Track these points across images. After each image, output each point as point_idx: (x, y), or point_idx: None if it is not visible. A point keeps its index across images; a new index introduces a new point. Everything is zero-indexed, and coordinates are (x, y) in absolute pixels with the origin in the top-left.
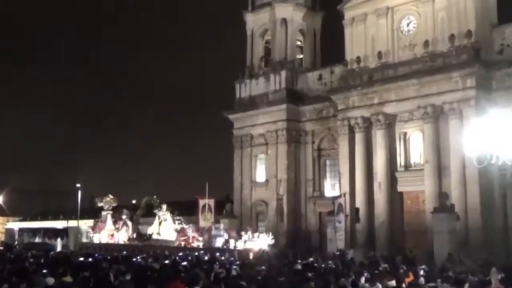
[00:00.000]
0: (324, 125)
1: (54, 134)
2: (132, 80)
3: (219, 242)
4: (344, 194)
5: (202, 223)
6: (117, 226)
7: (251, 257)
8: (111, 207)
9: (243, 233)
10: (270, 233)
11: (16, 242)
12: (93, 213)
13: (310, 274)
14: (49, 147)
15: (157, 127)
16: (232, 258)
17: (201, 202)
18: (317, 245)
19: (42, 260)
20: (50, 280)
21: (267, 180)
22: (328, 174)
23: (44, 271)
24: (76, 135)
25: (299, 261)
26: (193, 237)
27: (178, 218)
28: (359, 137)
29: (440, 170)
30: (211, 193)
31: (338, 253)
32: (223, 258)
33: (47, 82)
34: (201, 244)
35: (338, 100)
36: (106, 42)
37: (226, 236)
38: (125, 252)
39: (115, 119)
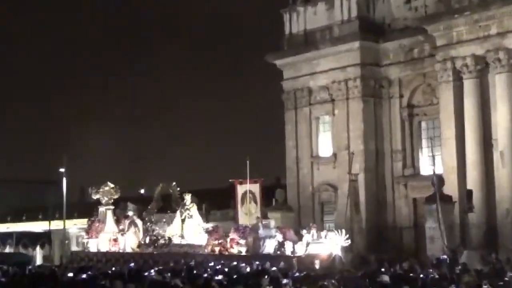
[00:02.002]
0: (417, 70)
1: (24, 99)
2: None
3: (269, 247)
4: (448, 171)
5: (243, 219)
6: (121, 226)
7: (317, 267)
8: (112, 200)
9: (304, 232)
10: (343, 231)
11: None
12: (85, 209)
13: None
14: (18, 118)
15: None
16: (289, 269)
17: (240, 189)
18: (411, 246)
19: (15, 278)
20: None
21: (334, 154)
22: (424, 142)
23: None
24: (58, 98)
25: (386, 269)
26: (232, 239)
27: (208, 212)
28: (469, 85)
29: None
30: (253, 175)
31: (444, 256)
32: (275, 268)
33: None
34: (243, 250)
35: (436, 32)
36: None
37: (279, 237)
38: (133, 265)
39: (114, 73)
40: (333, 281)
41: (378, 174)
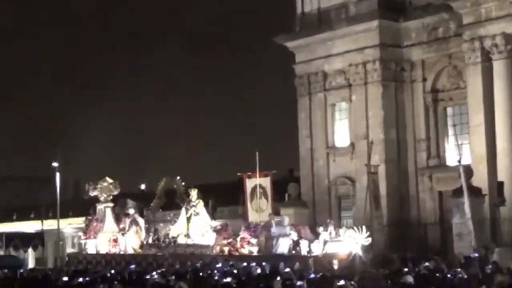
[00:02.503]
0: (441, 51)
1: (19, 90)
2: None
3: (283, 246)
4: (477, 161)
5: (253, 217)
6: (122, 226)
7: (335, 267)
8: (111, 197)
9: (320, 229)
10: (364, 228)
11: None
12: (81, 207)
13: None
14: (6, 110)
15: (174, 69)
16: (305, 270)
17: (249, 183)
18: (437, 243)
19: (5, 283)
20: None
21: (352, 144)
22: (450, 130)
23: None
24: (52, 88)
25: (410, 269)
26: (242, 239)
27: (215, 209)
28: (499, 67)
29: None
30: (264, 167)
31: (475, 255)
32: (289, 269)
33: None
34: (255, 250)
35: (463, 9)
36: None
37: (294, 235)
38: (134, 267)
39: (113, 59)
40: (352, 282)
41: (400, 166)
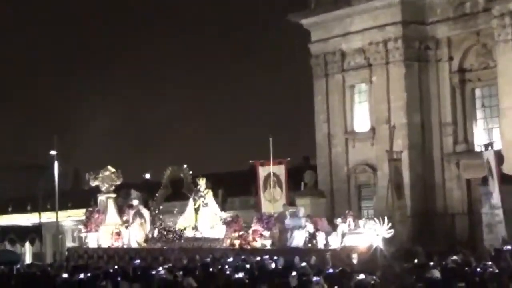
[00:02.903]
0: (469, 27)
1: (17, 76)
2: None
3: (298, 239)
4: (508, 146)
5: (266, 207)
6: (125, 218)
7: (354, 261)
8: (113, 187)
9: (339, 221)
10: (385, 219)
11: None
12: (81, 199)
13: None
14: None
15: (181, 49)
16: (322, 264)
17: (262, 172)
18: (465, 235)
19: (1, 280)
20: None
21: (373, 129)
22: (479, 113)
23: None
24: (48, 69)
25: (436, 263)
26: (254, 231)
27: (225, 200)
28: None
29: None
30: (278, 155)
31: (508, 247)
32: (305, 264)
33: None
34: (268, 243)
35: None
36: None
37: (310, 227)
38: (138, 261)
39: (118, 39)
40: (374, 277)
41: (425, 152)
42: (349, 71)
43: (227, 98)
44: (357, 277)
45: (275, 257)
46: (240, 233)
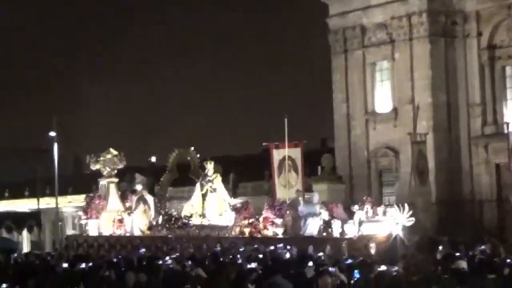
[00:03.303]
0: (499, 0)
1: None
2: None
3: (312, 227)
4: None
5: (281, 193)
6: (128, 204)
7: (372, 251)
8: (115, 171)
9: (355, 208)
10: (405, 206)
11: None
12: (82, 183)
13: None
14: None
15: (189, 23)
16: (338, 254)
17: (277, 155)
18: (494, 224)
19: None
20: None
21: (395, 109)
22: (510, 93)
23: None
24: (47, 45)
25: (463, 254)
26: (265, 219)
27: (236, 185)
28: None
29: None
30: (293, 137)
31: None
32: (321, 254)
33: None
34: (280, 232)
35: None
36: None
37: (325, 215)
38: (144, 250)
39: (121, 14)
40: (396, 268)
41: (451, 134)
42: (370, 47)
43: (240, 77)
44: (378, 268)
45: (288, 247)
46: (250, 220)
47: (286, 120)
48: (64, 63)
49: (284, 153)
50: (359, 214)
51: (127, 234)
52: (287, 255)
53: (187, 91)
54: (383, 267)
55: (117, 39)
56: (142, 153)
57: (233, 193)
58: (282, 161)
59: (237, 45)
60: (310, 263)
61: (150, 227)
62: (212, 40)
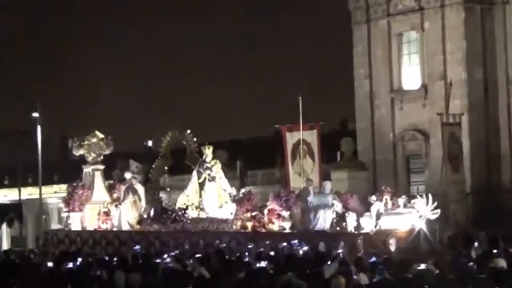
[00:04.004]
0: None
1: None
2: None
3: (324, 220)
4: None
5: (295, 182)
6: (116, 194)
7: (392, 248)
8: (102, 157)
9: (373, 199)
10: (429, 197)
11: None
12: (69, 171)
13: None
14: None
15: None
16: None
17: (290, 138)
18: None
19: None
20: None
21: (424, 87)
22: None
23: None
24: (30, 21)
25: (502, 251)
26: (271, 211)
27: (245, 173)
28: None
29: None
30: (309, 118)
31: None
32: (341, 251)
33: None
34: (287, 226)
35: None
36: None
37: (339, 206)
38: (138, 247)
39: None
40: (426, 265)
41: (489, 115)
42: (396, 16)
43: (250, 52)
44: (417, 267)
45: (301, 242)
46: (254, 213)
47: (300, 99)
48: (50, 42)
49: (298, 137)
50: (377, 205)
51: (114, 229)
52: (300, 252)
53: (189, 71)
54: (422, 265)
55: (121, 11)
56: (138, 137)
57: (242, 182)
58: (296, 145)
59: (247, 19)
60: (329, 262)
61: (140, 221)
62: (219, 18)
